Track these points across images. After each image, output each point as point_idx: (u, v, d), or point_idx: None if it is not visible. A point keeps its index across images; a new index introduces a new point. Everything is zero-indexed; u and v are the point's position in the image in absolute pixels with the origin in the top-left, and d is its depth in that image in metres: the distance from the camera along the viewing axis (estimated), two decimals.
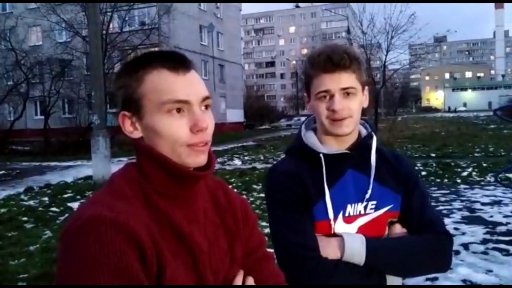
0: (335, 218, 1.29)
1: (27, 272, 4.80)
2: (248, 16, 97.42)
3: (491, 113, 47.39)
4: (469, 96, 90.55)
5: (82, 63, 27.70)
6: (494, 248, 5.25)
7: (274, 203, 1.35)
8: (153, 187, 0.94)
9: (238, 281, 1.01)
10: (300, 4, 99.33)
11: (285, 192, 1.32)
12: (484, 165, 12.06)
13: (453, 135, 23.96)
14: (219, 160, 16.93)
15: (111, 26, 25.00)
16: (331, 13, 72.92)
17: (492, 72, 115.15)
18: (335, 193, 1.30)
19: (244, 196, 9.00)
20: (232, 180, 11.19)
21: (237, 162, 16.23)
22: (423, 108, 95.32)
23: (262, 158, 17.35)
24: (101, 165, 11.14)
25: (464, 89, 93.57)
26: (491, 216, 6.87)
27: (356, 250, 1.24)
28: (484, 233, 5.93)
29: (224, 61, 41.99)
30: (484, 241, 5.55)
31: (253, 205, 8.23)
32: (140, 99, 0.95)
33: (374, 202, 1.32)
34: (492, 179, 9.82)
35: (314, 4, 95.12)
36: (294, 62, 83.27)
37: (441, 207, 7.56)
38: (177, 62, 0.96)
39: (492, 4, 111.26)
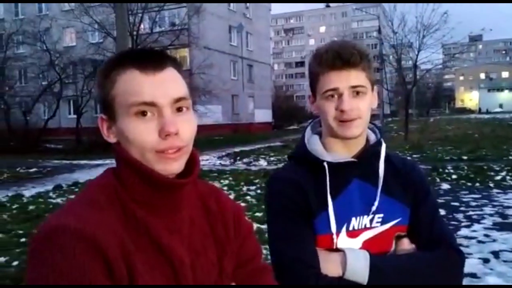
0: (338, 231, 1.20)
1: None
2: (278, 16, 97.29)
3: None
4: (505, 97, 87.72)
5: None
6: None
7: (272, 213, 1.26)
8: (130, 194, 0.88)
9: None
10: (331, 4, 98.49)
11: (284, 201, 1.22)
12: None
13: (487, 137, 23.14)
14: (245, 160, 16.92)
15: (141, 26, 25.40)
16: (361, 13, 71.99)
17: None
18: (339, 205, 1.20)
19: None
20: (256, 180, 11.12)
21: (263, 162, 16.17)
22: (457, 109, 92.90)
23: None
24: None
25: (500, 89, 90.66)
26: None
27: (358, 268, 1.14)
28: None
29: (253, 61, 42.04)
30: None
31: None
32: (112, 101, 0.89)
33: (381, 215, 1.22)
34: None
35: (345, 4, 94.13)
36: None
37: (471, 212, 7.27)
38: (148, 60, 0.88)
39: None
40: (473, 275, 4.37)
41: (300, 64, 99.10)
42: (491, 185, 9.82)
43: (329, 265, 1.15)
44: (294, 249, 1.16)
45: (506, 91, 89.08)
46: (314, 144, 1.28)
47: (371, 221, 1.22)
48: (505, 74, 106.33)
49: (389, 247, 1.23)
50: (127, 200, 0.87)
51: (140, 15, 24.52)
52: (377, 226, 1.22)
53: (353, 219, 1.21)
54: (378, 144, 1.27)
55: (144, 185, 0.88)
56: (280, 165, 14.74)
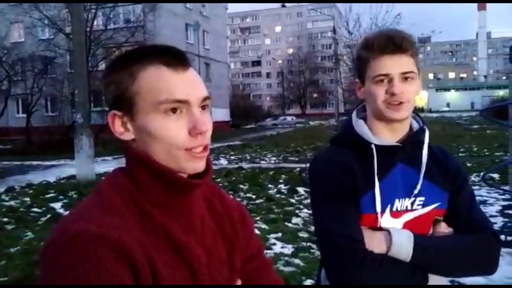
0: (382, 212, 1.25)
1: (7, 275, 4.65)
2: (234, 14, 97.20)
3: (474, 114, 48.12)
4: (452, 96, 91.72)
5: (65, 61, 27.20)
6: None
7: (318, 192, 1.30)
8: (146, 196, 0.86)
9: None
10: (286, 4, 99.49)
11: (331, 180, 1.27)
12: (469, 165, 12.17)
13: (438, 135, 24.20)
14: None
15: (95, 23, 24.66)
16: (317, 13, 73.18)
17: (475, 73, 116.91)
18: (384, 186, 1.25)
19: (231, 196, 8.87)
20: (218, 180, 11.10)
21: (223, 161, 16.13)
22: None
23: (248, 157, 17.28)
24: (84, 164, 10.95)
25: (447, 89, 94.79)
26: None
27: (403, 246, 1.19)
28: None
29: (210, 60, 41.83)
30: None
31: None
32: (133, 97, 0.86)
33: (422, 199, 1.28)
34: (477, 179, 9.91)
35: (300, 4, 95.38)
36: (280, 61, 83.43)
37: None
38: (176, 58, 0.87)
39: (475, 6, 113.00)
40: None
41: (257, 63, 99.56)
42: None
43: (374, 243, 1.20)
44: (341, 226, 1.21)
45: (453, 91, 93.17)
46: (361, 127, 1.32)
47: (413, 203, 1.28)
48: (451, 75, 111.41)
49: (428, 229, 1.29)
50: (143, 202, 0.85)
51: (93, 11, 23.80)
52: (418, 209, 1.28)
53: (396, 200, 1.26)
54: (421, 131, 1.32)
55: (161, 186, 0.86)
56: (241, 164, 14.82)
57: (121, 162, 0.95)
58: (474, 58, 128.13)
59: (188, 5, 37.93)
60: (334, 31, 35.81)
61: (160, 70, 0.85)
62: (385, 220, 1.25)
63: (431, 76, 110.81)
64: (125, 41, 24.73)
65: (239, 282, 0.98)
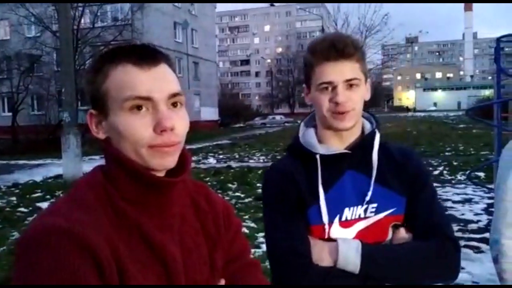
0: (331, 222, 1.22)
1: None
2: (222, 13, 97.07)
3: (460, 113, 48.67)
4: (439, 96, 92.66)
5: (52, 59, 26.91)
6: (466, 246, 5.33)
7: (267, 204, 1.29)
8: (121, 193, 0.86)
9: None
10: (275, 3, 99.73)
11: (277, 192, 1.26)
12: (455, 163, 12.33)
13: (425, 134, 24.44)
14: (193, 158, 16.74)
15: (82, 21, 24.44)
16: (305, 12, 73.40)
17: (461, 73, 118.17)
18: (331, 196, 1.23)
19: (219, 195, 8.89)
20: (207, 179, 11.08)
21: (212, 160, 16.12)
22: (395, 108, 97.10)
23: (237, 156, 17.29)
24: (71, 163, 10.86)
25: (434, 89, 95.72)
26: (462, 214, 7.00)
27: (350, 257, 1.16)
28: (456, 231, 6.02)
29: (199, 59, 41.71)
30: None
31: None
32: (104, 96, 0.87)
33: (375, 205, 1.23)
34: (463, 178, 10.04)
35: (288, 3, 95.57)
36: (269, 60, 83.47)
37: None
38: (143, 55, 0.87)
39: (462, 6, 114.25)
40: None
41: (246, 62, 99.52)
42: (431, 178, 10.38)
43: (322, 254, 1.18)
44: (286, 239, 1.20)
45: (440, 91, 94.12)
46: (308, 137, 1.30)
47: (365, 211, 1.23)
48: (438, 75, 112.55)
49: (385, 236, 1.24)
50: (117, 199, 0.86)
51: (81, 9, 23.59)
52: (371, 216, 1.23)
53: (346, 209, 1.23)
54: (372, 134, 1.28)
55: (135, 184, 0.87)
56: (230, 163, 14.83)
57: None
58: (461, 58, 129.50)
59: (176, 3, 37.77)
60: (322, 30, 35.93)
61: (126, 68, 0.86)
62: (335, 231, 1.22)
63: (418, 75, 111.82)
64: (113, 40, 24.55)
65: (222, 282, 0.98)
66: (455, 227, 6.17)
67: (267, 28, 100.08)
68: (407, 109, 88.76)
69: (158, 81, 0.87)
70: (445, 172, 11.27)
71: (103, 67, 0.88)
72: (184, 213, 0.96)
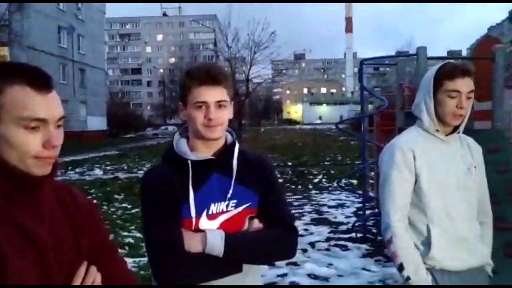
0: (199, 216, 1.48)
1: None
2: (112, 20, 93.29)
3: (341, 126, 52.24)
4: (324, 110, 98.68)
5: None
6: (335, 245, 5.94)
7: (145, 204, 1.52)
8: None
9: (82, 270, 1.12)
10: (168, 13, 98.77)
11: (156, 194, 1.49)
12: (332, 172, 13.44)
13: (309, 145, 26.08)
14: (77, 170, 16.00)
15: None
16: (198, 25, 73.77)
17: (343, 89, 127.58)
18: (200, 195, 1.50)
19: (105, 207, 8.72)
20: (92, 191, 10.71)
21: (98, 172, 15.52)
22: (284, 120, 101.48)
23: (125, 167, 16.86)
24: None
25: (320, 103, 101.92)
26: (335, 217, 7.74)
27: (216, 244, 1.43)
28: (328, 232, 6.66)
29: (86, 65, 39.78)
30: (327, 239, 6.25)
31: (114, 216, 8.00)
32: None
33: (235, 201, 1.53)
34: (338, 184, 10.99)
35: (181, 14, 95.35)
36: (161, 70, 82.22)
37: (294, 211, 8.24)
38: (41, 81, 1.04)
39: (343, 29, 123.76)
40: (294, 263, 5.05)
41: (137, 71, 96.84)
42: (310, 187, 11.25)
43: (192, 243, 1.44)
44: (160, 233, 1.44)
45: (324, 105, 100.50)
46: (181, 146, 1.57)
47: (227, 206, 1.53)
48: (323, 90, 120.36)
49: (243, 226, 1.55)
50: None
51: None
52: (231, 210, 1.54)
53: (212, 205, 1.51)
54: (233, 144, 1.60)
55: (11, 184, 1.03)
56: (118, 174, 14.41)
57: None
58: (343, 76, 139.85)
59: (61, 6, 35.63)
60: (215, 44, 36.54)
61: (25, 90, 1.02)
62: (203, 223, 1.49)
63: (305, 90, 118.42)
64: None
65: (84, 263, 1.15)
66: (327, 229, 6.81)
67: (159, 37, 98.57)
68: (294, 122, 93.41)
69: (53, 106, 1.05)
70: (323, 180, 12.24)
71: None
72: (52, 207, 1.13)
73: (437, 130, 1.89)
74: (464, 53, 40.70)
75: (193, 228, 1.48)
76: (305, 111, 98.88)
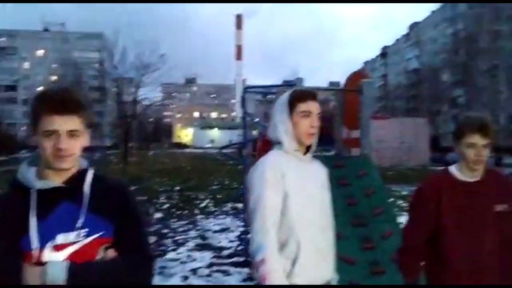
0: (42, 248, 1.38)
1: None
2: None
3: (230, 150, 53.28)
4: (215, 134, 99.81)
5: None
6: (218, 271, 5.90)
7: None
8: None
9: None
10: (51, 28, 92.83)
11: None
12: (219, 196, 13.51)
13: (197, 169, 25.99)
14: None
15: None
16: (83, 42, 70.36)
17: (233, 114, 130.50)
18: (46, 225, 1.40)
19: None
20: None
21: None
22: (175, 144, 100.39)
23: None
24: None
25: (211, 127, 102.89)
26: (219, 242, 7.72)
27: (57, 276, 1.34)
28: (211, 258, 6.61)
29: None
30: (210, 265, 6.19)
31: None
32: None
33: (86, 230, 1.43)
34: (224, 209, 11.07)
35: (64, 30, 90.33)
36: (41, 88, 76.42)
37: (178, 237, 8.08)
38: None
39: (233, 56, 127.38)
40: None
41: (11, 88, 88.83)
42: (197, 211, 11.14)
43: (30, 277, 1.34)
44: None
45: (216, 129, 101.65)
46: (28, 173, 1.47)
47: (78, 235, 1.43)
48: (214, 114, 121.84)
49: (95, 256, 1.45)
50: None
51: None
52: (81, 240, 1.43)
53: (59, 236, 1.41)
54: (85, 171, 1.52)
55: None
56: None
57: None
58: (233, 101, 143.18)
59: None
60: (100, 63, 35.09)
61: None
62: (48, 255, 1.39)
63: (196, 114, 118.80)
64: None
65: None
66: (211, 255, 6.76)
67: (40, 53, 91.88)
68: (184, 146, 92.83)
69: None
70: (210, 204, 12.22)
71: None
72: None
73: (296, 150, 1.99)
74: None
75: (35, 261, 1.37)
76: (196, 135, 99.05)
